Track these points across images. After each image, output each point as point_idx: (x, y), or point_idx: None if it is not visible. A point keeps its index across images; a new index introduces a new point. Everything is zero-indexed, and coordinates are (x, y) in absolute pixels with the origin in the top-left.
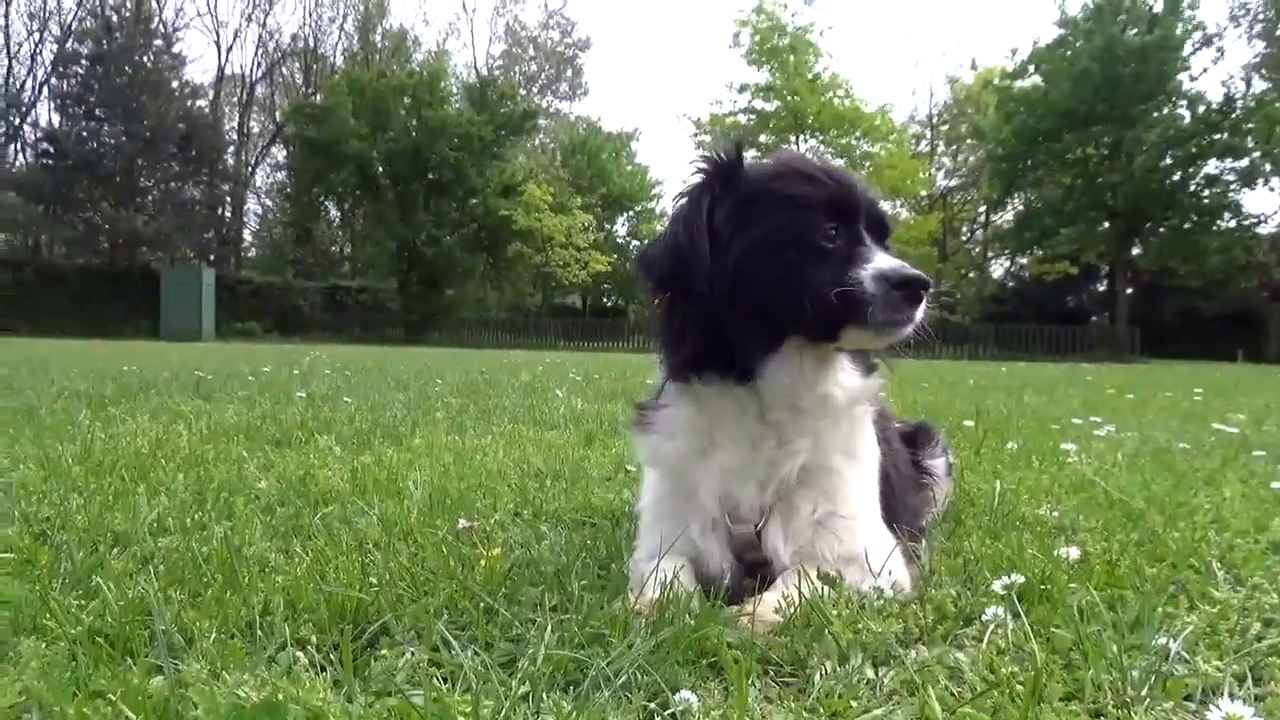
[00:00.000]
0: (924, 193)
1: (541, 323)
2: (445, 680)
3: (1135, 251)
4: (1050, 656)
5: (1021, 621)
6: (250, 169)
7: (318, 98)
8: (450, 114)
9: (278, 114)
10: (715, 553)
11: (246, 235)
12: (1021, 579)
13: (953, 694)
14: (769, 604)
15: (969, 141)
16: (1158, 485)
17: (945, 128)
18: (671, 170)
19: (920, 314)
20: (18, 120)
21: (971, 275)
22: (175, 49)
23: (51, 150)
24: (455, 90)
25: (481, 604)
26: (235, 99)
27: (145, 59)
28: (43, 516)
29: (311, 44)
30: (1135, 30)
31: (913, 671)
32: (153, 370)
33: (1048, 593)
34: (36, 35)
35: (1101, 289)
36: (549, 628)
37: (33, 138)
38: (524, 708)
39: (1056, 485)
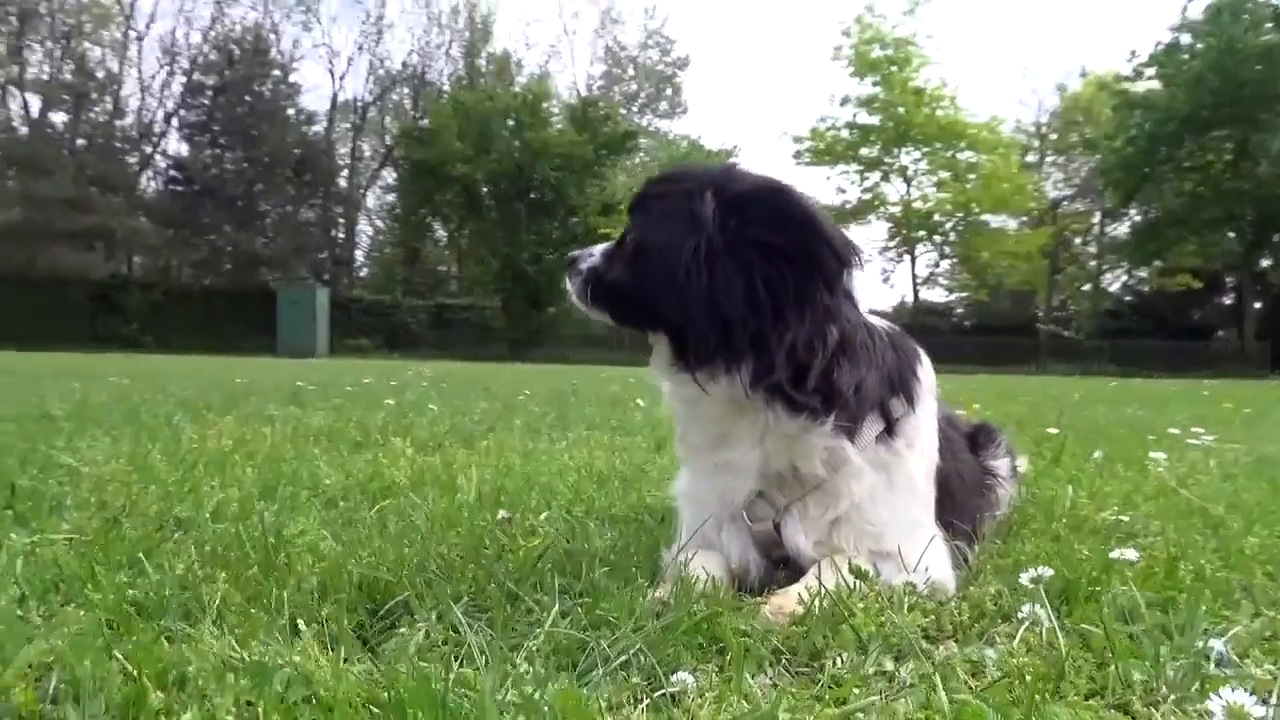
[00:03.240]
0: (1033, 205)
1: (639, 338)
2: (454, 657)
3: (1265, 263)
4: (1081, 654)
5: (1051, 617)
6: (362, 191)
7: (425, 121)
8: (552, 134)
9: (388, 138)
10: (736, 547)
11: (359, 255)
12: (1050, 572)
13: (969, 687)
14: (792, 595)
15: (1080, 150)
16: (1249, 495)
17: (1054, 137)
18: None
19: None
20: (150, 150)
21: (1086, 289)
22: (291, 78)
23: (179, 177)
24: (557, 111)
25: (506, 589)
26: (348, 124)
27: (264, 89)
28: (118, 504)
29: (420, 70)
30: (1261, 31)
31: (929, 666)
32: (260, 382)
33: (1095, 593)
34: (167, 69)
35: (1229, 302)
36: (556, 609)
37: (163, 166)
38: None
39: (1135, 492)
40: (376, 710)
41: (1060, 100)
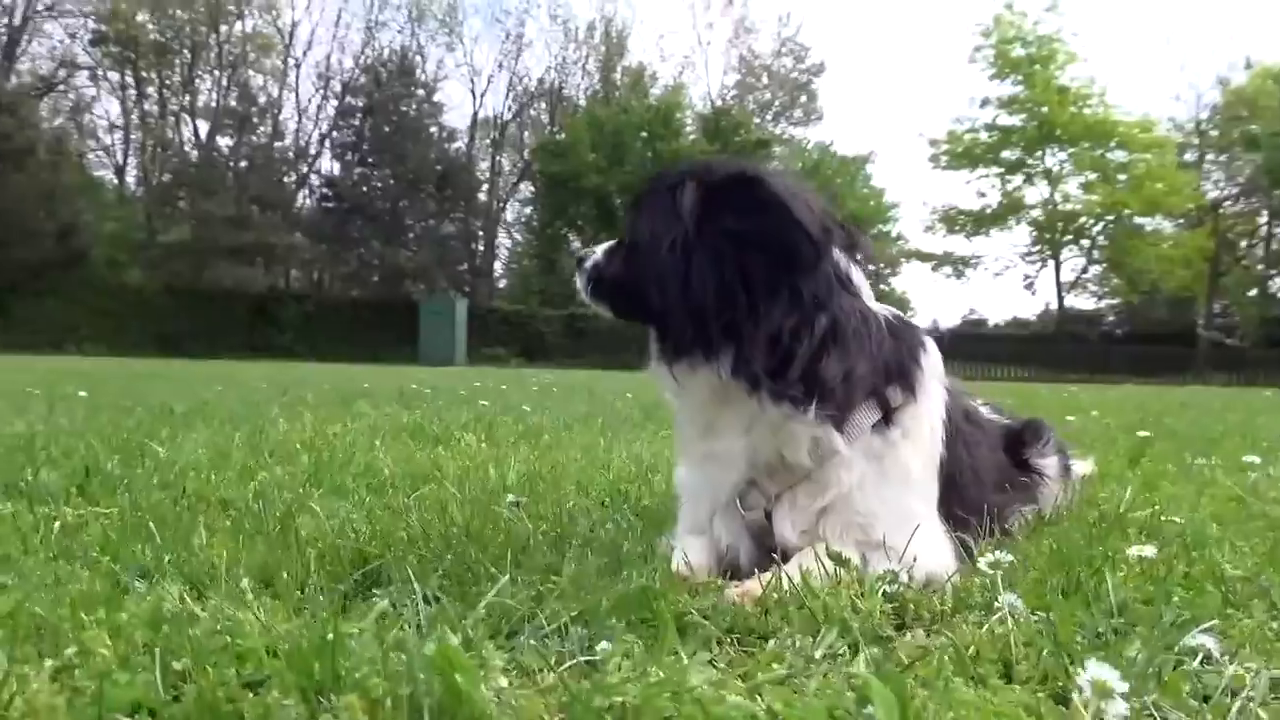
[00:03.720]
0: (1191, 205)
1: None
2: (412, 625)
3: None
4: (1046, 642)
5: (1016, 603)
6: (500, 205)
7: (561, 135)
8: (684, 146)
9: (525, 152)
10: (727, 535)
11: (497, 267)
12: (1009, 558)
13: (896, 668)
14: (763, 579)
15: (1243, 148)
16: None
17: (1215, 133)
18: (909, 192)
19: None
20: (305, 169)
21: (1252, 294)
22: (435, 97)
23: (331, 194)
24: (690, 122)
25: (474, 563)
26: (488, 140)
27: (409, 108)
28: (180, 486)
29: (557, 85)
30: None
31: (877, 650)
32: (383, 386)
33: (1092, 586)
34: (321, 93)
35: None
36: (504, 580)
37: (316, 184)
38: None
39: (1206, 496)
40: (278, 660)
41: (1221, 94)
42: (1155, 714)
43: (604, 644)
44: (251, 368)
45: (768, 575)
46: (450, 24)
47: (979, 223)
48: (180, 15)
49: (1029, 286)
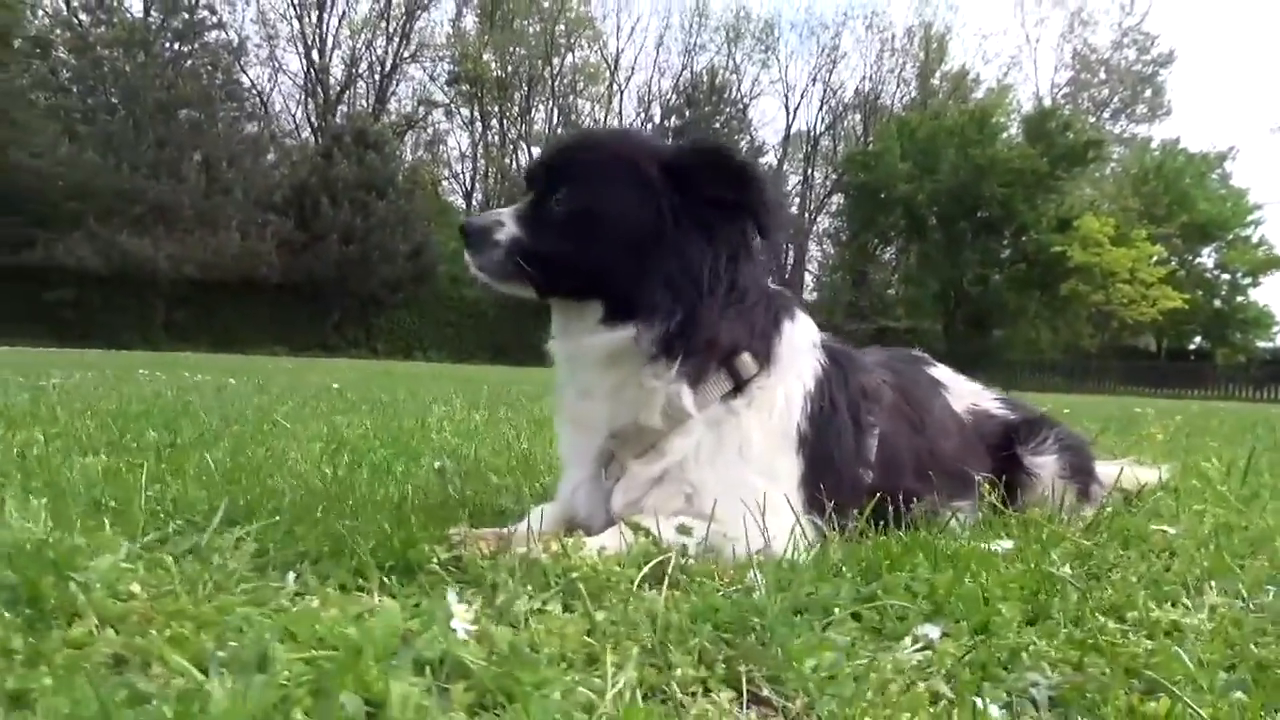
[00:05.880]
0: None
1: (1100, 365)
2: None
3: None
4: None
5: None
6: (811, 217)
7: (871, 145)
8: (999, 151)
9: (836, 164)
10: (583, 504)
11: (809, 279)
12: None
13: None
14: (492, 533)
15: None
16: None
17: None
18: (1275, 191)
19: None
20: None
21: None
22: (748, 115)
23: None
24: (1012, 124)
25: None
26: (800, 154)
27: (720, 125)
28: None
29: (873, 95)
30: None
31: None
32: None
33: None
34: (642, 116)
35: None
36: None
37: None
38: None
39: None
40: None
41: None
42: None
43: (290, 576)
44: (517, 373)
45: (500, 530)
46: (766, 41)
47: None
48: (519, 52)
49: None
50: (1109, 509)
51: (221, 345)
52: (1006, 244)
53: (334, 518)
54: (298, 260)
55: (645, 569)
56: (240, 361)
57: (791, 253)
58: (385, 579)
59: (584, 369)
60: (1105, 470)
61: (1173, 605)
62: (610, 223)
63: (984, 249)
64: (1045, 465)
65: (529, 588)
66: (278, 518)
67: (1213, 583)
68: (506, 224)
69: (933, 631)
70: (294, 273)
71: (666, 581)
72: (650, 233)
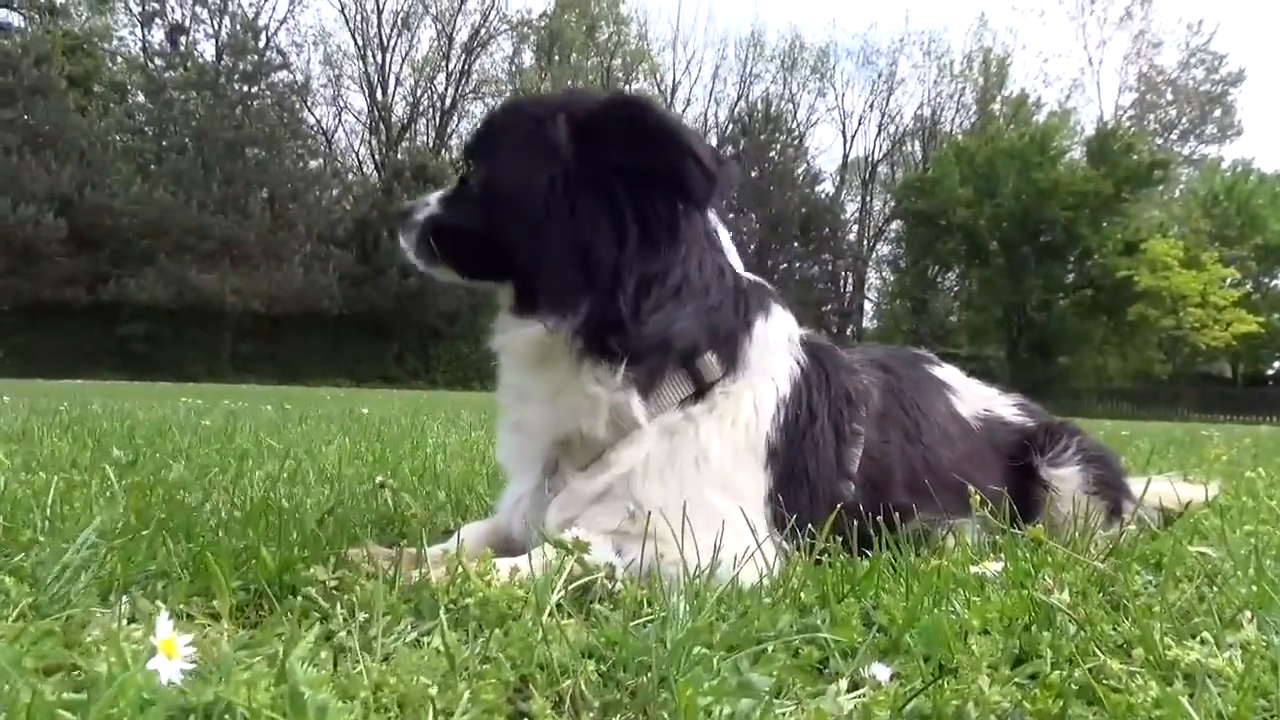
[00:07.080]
0: None
1: (1172, 392)
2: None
3: None
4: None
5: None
6: (870, 244)
7: (929, 171)
8: (1061, 173)
9: (894, 191)
10: (519, 521)
11: (868, 307)
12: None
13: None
14: (381, 551)
15: None
16: None
17: None
18: None
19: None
20: None
21: None
22: (805, 143)
23: None
24: (1074, 147)
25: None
26: (858, 181)
27: (776, 154)
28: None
29: (931, 120)
30: None
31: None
32: None
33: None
34: None
35: None
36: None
37: None
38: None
39: None
40: None
41: None
42: None
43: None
44: None
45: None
46: (821, 69)
47: None
48: (578, 85)
49: None
50: (1132, 526)
51: (285, 377)
52: (1071, 268)
53: (209, 535)
54: (359, 293)
55: (555, 596)
56: (299, 392)
57: (850, 279)
58: (257, 603)
59: (513, 368)
60: (1140, 486)
61: (1200, 642)
62: (507, 195)
63: (1047, 274)
64: (1067, 478)
65: (412, 618)
66: (144, 533)
67: (1250, 614)
68: (431, 204)
69: (882, 672)
70: (356, 305)
71: (548, 611)
72: (541, 206)
